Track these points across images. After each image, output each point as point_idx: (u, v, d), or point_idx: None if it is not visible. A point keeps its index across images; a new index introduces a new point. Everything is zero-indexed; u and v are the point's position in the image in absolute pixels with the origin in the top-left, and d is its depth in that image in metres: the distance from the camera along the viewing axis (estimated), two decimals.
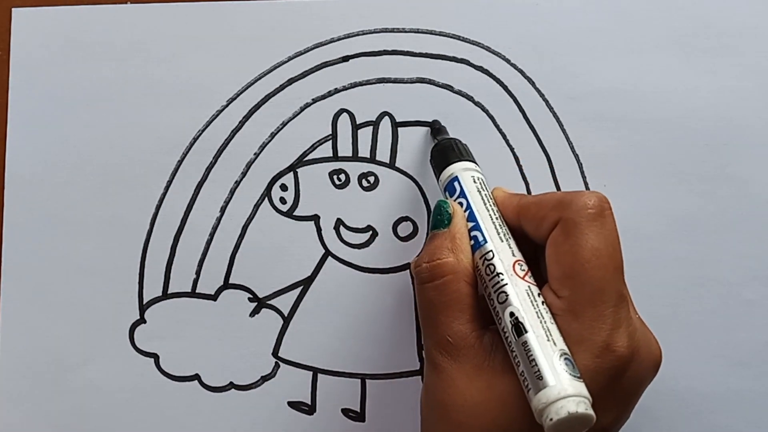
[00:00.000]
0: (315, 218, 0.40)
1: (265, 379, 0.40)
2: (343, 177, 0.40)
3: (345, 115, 0.40)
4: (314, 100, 0.40)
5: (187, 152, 0.40)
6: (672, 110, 0.40)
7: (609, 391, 0.29)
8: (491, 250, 0.32)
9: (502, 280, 0.31)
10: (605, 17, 0.40)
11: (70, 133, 0.41)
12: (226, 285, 0.40)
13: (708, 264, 0.39)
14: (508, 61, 0.40)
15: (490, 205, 0.34)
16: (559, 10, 0.40)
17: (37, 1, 0.41)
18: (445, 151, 0.37)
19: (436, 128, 0.39)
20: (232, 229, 0.40)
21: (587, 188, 0.40)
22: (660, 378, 0.32)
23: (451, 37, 0.40)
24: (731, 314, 0.39)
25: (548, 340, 0.29)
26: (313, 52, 0.40)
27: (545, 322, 0.30)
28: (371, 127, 0.40)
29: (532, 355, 0.28)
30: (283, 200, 0.40)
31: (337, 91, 0.40)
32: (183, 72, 0.41)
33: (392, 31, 0.40)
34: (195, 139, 0.40)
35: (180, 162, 0.40)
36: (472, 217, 0.33)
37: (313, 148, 0.40)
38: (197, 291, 0.40)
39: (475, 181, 0.35)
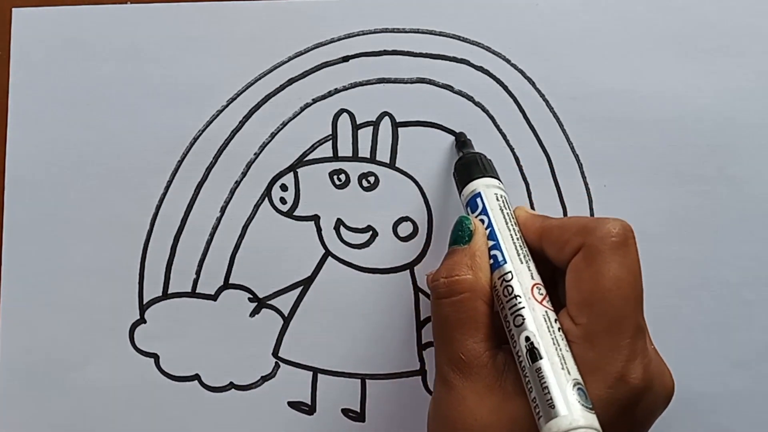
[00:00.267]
0: (315, 218, 0.40)
1: (265, 379, 0.40)
2: (343, 177, 0.40)
3: (345, 115, 0.40)
4: (314, 100, 0.40)
5: (187, 152, 0.40)
6: (672, 110, 0.40)
7: (620, 422, 0.29)
8: (510, 271, 0.31)
9: (519, 302, 0.30)
10: (605, 17, 0.40)
11: (70, 133, 0.41)
12: (226, 285, 0.40)
13: (708, 264, 0.39)
14: (508, 61, 0.40)
15: (512, 225, 0.33)
16: (559, 10, 0.40)
17: (37, 1, 0.41)
18: (469, 165, 0.36)
19: (461, 141, 0.39)
20: (232, 229, 0.40)
21: (587, 188, 0.40)
22: None
23: (451, 37, 0.40)
24: (731, 314, 0.39)
25: (562, 368, 0.29)
26: (313, 52, 0.40)
27: (560, 349, 0.29)
28: (371, 127, 0.40)
29: (545, 382, 0.28)
30: (283, 200, 0.40)
31: (337, 91, 0.40)
32: (183, 72, 0.41)
33: (392, 31, 0.40)
34: (195, 139, 0.40)
35: (180, 162, 0.40)
36: (492, 236, 0.33)
37: (313, 148, 0.40)
38: (197, 291, 0.40)
39: (498, 199, 0.34)
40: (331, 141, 0.40)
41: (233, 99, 0.40)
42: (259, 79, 0.40)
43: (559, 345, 0.29)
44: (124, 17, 0.41)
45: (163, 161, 0.40)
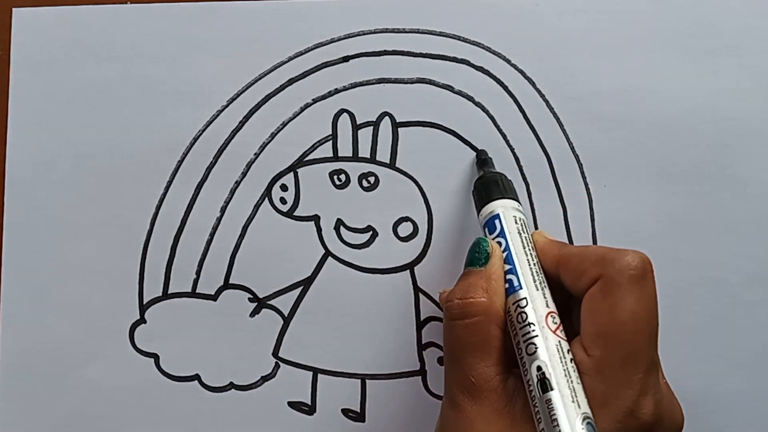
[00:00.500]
0: (315, 218, 0.40)
1: (265, 379, 0.40)
2: (343, 177, 0.40)
3: (345, 116, 0.40)
4: (314, 101, 0.40)
5: (187, 152, 0.40)
6: (672, 110, 0.40)
7: None
8: (525, 298, 0.31)
9: (532, 330, 0.30)
10: (605, 17, 0.40)
11: (70, 133, 0.41)
12: (227, 285, 0.40)
13: (708, 264, 0.39)
14: (508, 61, 0.40)
15: (529, 250, 0.33)
16: (559, 11, 0.40)
17: (37, 1, 0.41)
18: (489, 185, 0.36)
19: (482, 159, 0.39)
20: (233, 229, 0.40)
21: (587, 188, 0.40)
22: None
23: (451, 38, 0.40)
24: (731, 315, 0.39)
25: (573, 401, 0.28)
26: (313, 53, 0.40)
27: (572, 381, 0.29)
28: (371, 128, 0.40)
29: (554, 414, 0.28)
30: (283, 200, 0.40)
31: (337, 91, 0.40)
32: (183, 72, 0.41)
33: (392, 31, 0.40)
34: (195, 139, 0.40)
35: (180, 162, 0.40)
36: (509, 260, 0.33)
37: (313, 148, 0.40)
38: (197, 291, 0.40)
39: (516, 222, 0.34)
40: (331, 141, 0.40)
41: (233, 99, 0.40)
42: (259, 79, 0.40)
43: (570, 377, 0.29)
44: (124, 17, 0.41)
45: (163, 161, 0.40)
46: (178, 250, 0.40)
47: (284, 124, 0.40)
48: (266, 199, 0.40)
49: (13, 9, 0.41)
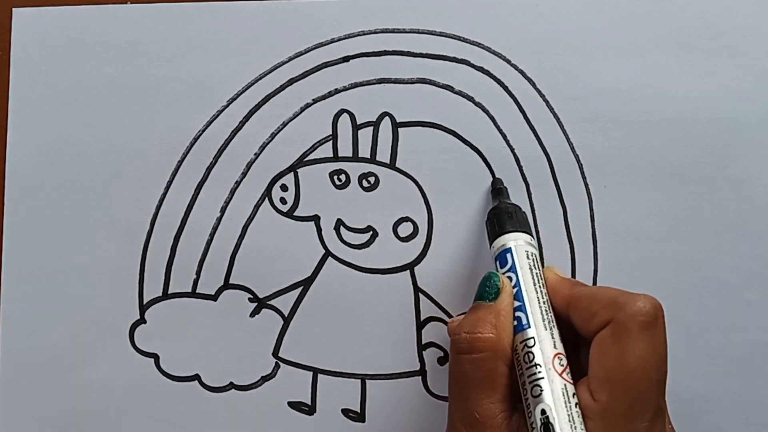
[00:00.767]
0: (315, 218, 0.40)
1: (265, 379, 0.40)
2: (343, 177, 0.40)
3: (345, 116, 0.40)
4: (315, 101, 0.40)
5: (187, 152, 0.40)
6: (672, 110, 0.40)
7: None
8: (533, 337, 0.31)
9: (539, 372, 0.30)
10: (605, 17, 0.40)
11: (70, 133, 0.41)
12: (227, 285, 0.40)
13: (708, 264, 0.39)
14: (508, 61, 0.40)
15: (540, 287, 0.33)
16: (559, 11, 0.40)
17: (37, 1, 0.41)
18: (503, 217, 0.36)
19: (497, 188, 0.38)
20: (233, 229, 0.40)
21: (587, 188, 0.40)
22: None
23: (451, 38, 0.40)
24: (731, 315, 0.39)
25: None
26: (313, 53, 0.40)
27: (576, 427, 0.29)
28: (371, 128, 0.40)
29: None
30: (283, 200, 0.40)
31: (337, 91, 0.40)
32: (183, 72, 0.41)
33: (392, 31, 0.40)
34: (195, 139, 0.40)
35: (180, 162, 0.40)
36: (519, 296, 0.32)
37: (313, 148, 0.40)
38: (197, 291, 0.40)
39: (528, 257, 0.34)
40: (331, 141, 0.40)
41: (233, 99, 0.40)
42: (259, 79, 0.40)
43: (574, 422, 0.29)
44: (124, 17, 0.41)
45: (163, 161, 0.40)
46: (178, 250, 0.40)
47: (284, 124, 0.40)
48: (266, 199, 0.40)
49: (13, 9, 0.41)
